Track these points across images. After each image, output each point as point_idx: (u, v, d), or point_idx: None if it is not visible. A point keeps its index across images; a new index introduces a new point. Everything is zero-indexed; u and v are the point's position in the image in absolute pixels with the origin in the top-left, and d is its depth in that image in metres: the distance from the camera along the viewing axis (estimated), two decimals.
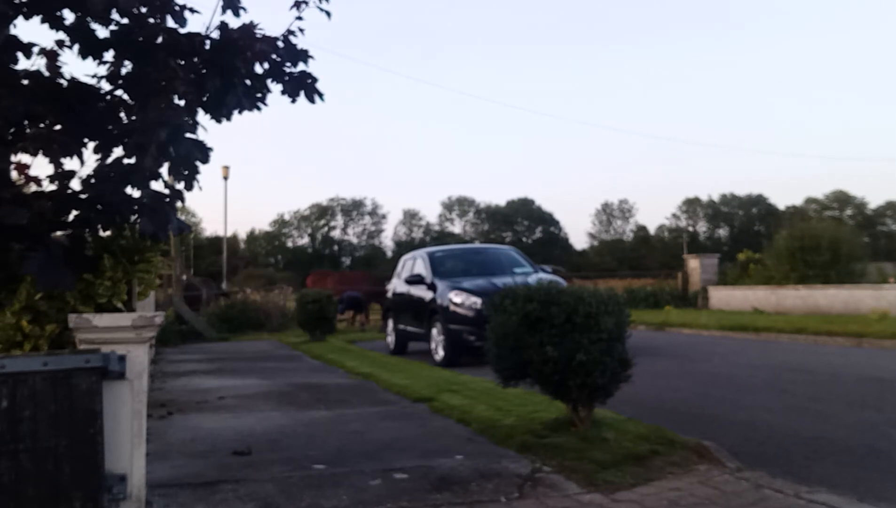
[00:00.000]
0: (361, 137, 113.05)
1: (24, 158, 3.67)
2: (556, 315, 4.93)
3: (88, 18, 3.62)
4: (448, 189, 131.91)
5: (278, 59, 3.96)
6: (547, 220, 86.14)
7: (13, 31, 3.53)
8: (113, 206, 3.58)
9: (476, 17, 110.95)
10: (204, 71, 3.78)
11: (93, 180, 3.60)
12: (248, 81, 3.90)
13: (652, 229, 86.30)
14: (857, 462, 4.73)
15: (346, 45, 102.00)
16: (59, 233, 3.67)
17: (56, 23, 3.61)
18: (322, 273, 29.85)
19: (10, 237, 3.42)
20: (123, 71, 3.72)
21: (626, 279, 30.62)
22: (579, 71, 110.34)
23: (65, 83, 3.66)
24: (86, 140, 3.67)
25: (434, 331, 11.56)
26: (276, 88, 4.03)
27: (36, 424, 2.91)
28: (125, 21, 3.62)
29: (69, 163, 3.68)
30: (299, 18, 3.98)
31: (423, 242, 75.25)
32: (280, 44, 3.94)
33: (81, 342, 3.17)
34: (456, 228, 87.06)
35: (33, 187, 3.71)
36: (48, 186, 3.68)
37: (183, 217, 3.96)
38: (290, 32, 3.97)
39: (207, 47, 3.77)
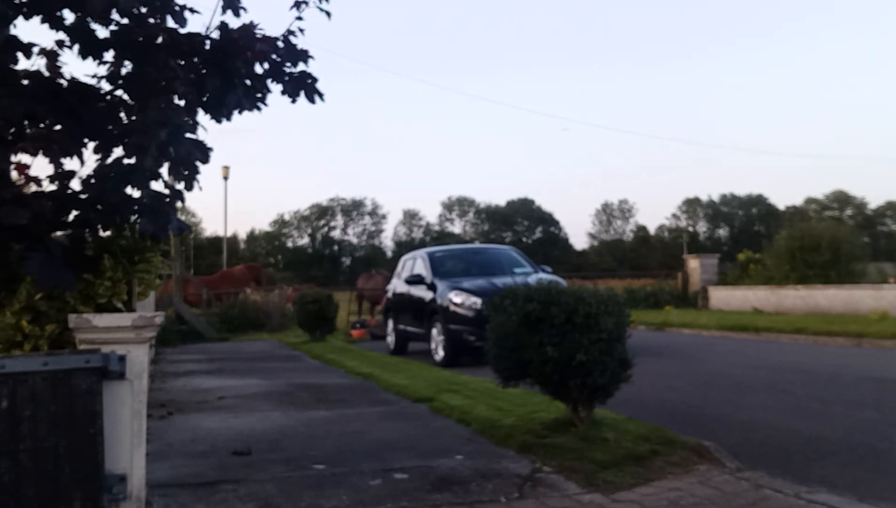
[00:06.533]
0: (361, 137, 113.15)
1: (24, 158, 3.67)
2: (556, 315, 4.92)
3: (88, 18, 3.62)
4: (448, 189, 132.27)
5: (278, 60, 3.97)
6: (547, 220, 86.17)
7: (13, 31, 3.54)
8: (113, 206, 3.59)
9: (476, 19, 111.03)
10: (204, 71, 3.78)
11: (93, 180, 3.60)
12: (248, 81, 3.91)
13: (652, 229, 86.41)
14: (857, 462, 4.72)
15: (346, 45, 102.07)
16: (59, 233, 3.67)
17: (56, 23, 3.61)
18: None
19: (10, 237, 3.42)
20: (123, 71, 3.73)
21: (626, 279, 30.67)
22: (579, 71, 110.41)
23: (65, 83, 3.66)
24: (86, 140, 3.67)
25: (434, 331, 11.55)
26: (276, 88, 4.03)
27: (36, 424, 2.91)
28: (125, 21, 3.63)
29: (69, 163, 3.68)
30: (299, 18, 3.99)
31: (423, 242, 75.25)
32: (280, 44, 3.94)
33: (81, 342, 3.17)
34: (456, 228, 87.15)
35: (33, 187, 3.71)
36: (48, 187, 3.68)
37: (183, 217, 3.96)
38: (290, 32, 3.98)
39: (207, 47, 3.78)
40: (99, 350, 3.08)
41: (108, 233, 3.76)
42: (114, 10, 3.51)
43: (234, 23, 3.84)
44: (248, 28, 3.83)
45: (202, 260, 50.26)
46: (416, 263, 13.20)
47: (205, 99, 3.83)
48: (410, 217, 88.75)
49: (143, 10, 3.61)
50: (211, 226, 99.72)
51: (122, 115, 3.74)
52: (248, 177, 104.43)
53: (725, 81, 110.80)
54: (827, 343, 12.74)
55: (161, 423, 6.24)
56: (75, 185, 3.65)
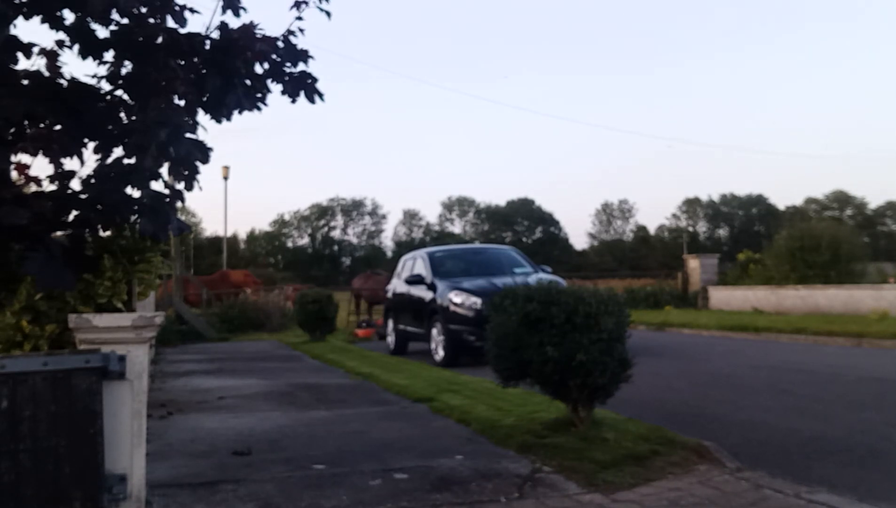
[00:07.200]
0: (362, 137, 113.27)
1: (24, 158, 3.67)
2: (556, 315, 4.92)
3: (88, 18, 3.62)
4: (448, 189, 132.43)
5: (278, 60, 3.96)
6: (547, 220, 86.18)
7: (13, 31, 3.53)
8: (113, 206, 3.59)
9: (476, 18, 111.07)
10: (204, 71, 3.78)
11: (93, 180, 3.60)
12: (248, 81, 3.90)
13: (652, 229, 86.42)
14: (857, 462, 4.72)
15: (346, 45, 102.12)
16: (59, 233, 3.67)
17: (56, 23, 3.61)
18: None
19: (10, 237, 3.42)
20: (123, 71, 3.73)
21: (626, 279, 30.63)
22: (580, 71, 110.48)
23: (65, 83, 3.66)
24: (86, 140, 3.67)
25: (434, 331, 11.55)
26: (276, 88, 4.03)
27: (36, 424, 2.91)
28: (125, 21, 3.63)
29: (69, 163, 3.68)
30: (299, 18, 3.98)
31: (423, 242, 75.25)
32: (280, 44, 3.94)
33: (81, 342, 3.17)
34: (456, 228, 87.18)
35: (33, 187, 3.71)
36: (48, 187, 3.68)
37: (183, 217, 3.96)
38: (290, 32, 3.97)
39: (207, 47, 3.77)
40: (99, 350, 3.08)
41: (108, 233, 3.76)
42: (114, 10, 3.51)
43: (234, 23, 3.84)
44: (248, 28, 3.83)
45: (202, 260, 50.27)
46: (416, 263, 13.19)
47: (205, 99, 3.82)
48: (410, 217, 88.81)
49: (143, 10, 3.61)
50: (211, 226, 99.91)
51: (122, 115, 3.74)
52: (248, 177, 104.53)
53: (725, 81, 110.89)
54: (827, 343, 12.73)
55: (161, 423, 6.24)
56: (75, 185, 3.65)
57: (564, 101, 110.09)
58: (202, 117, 3.86)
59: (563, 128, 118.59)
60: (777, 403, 6.90)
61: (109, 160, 3.66)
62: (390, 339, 13.77)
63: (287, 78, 4.02)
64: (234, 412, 6.82)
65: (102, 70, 3.72)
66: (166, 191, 3.74)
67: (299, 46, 3.99)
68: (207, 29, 3.79)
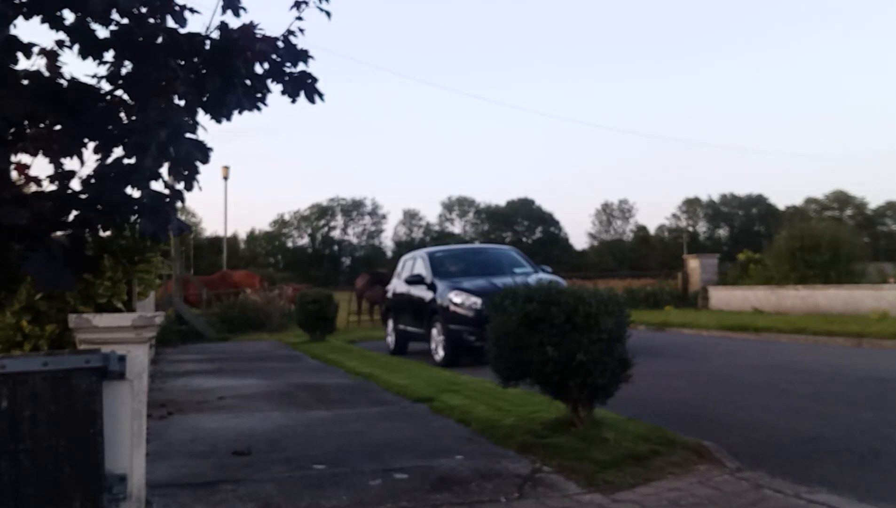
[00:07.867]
0: (361, 137, 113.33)
1: (24, 158, 3.68)
2: (556, 315, 4.92)
3: (88, 18, 3.62)
4: (448, 189, 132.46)
5: (278, 60, 3.96)
6: (547, 220, 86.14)
7: (13, 31, 3.54)
8: (113, 206, 3.59)
9: (475, 18, 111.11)
10: (204, 71, 3.78)
11: (93, 180, 3.60)
12: (248, 82, 3.91)
13: (652, 229, 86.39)
14: (857, 462, 4.72)
15: (346, 45, 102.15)
16: (59, 233, 3.67)
17: (56, 23, 3.61)
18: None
19: (10, 237, 3.42)
20: (123, 71, 3.73)
21: (626, 279, 30.64)
22: (579, 71, 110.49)
23: (65, 83, 3.66)
24: (86, 140, 3.67)
25: (434, 331, 11.55)
26: (276, 88, 4.03)
27: (36, 424, 2.91)
28: (125, 21, 3.63)
29: (69, 163, 3.69)
30: (299, 18, 3.99)
31: (423, 242, 75.23)
32: (280, 44, 3.94)
33: (81, 342, 3.17)
34: (456, 228, 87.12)
35: (33, 187, 3.71)
36: (48, 187, 3.68)
37: (183, 217, 3.96)
38: (290, 32, 3.98)
39: (207, 47, 3.78)
40: (99, 350, 3.08)
41: (108, 233, 3.76)
42: (114, 10, 3.51)
43: (234, 23, 3.84)
44: (248, 28, 3.83)
45: (202, 260, 50.26)
46: (416, 263, 13.19)
47: (205, 99, 3.82)
48: (410, 217, 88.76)
49: (143, 10, 3.61)
50: (211, 226, 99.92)
51: (122, 115, 3.74)
52: (248, 177, 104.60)
53: (725, 80, 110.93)
54: (827, 343, 12.73)
55: (161, 423, 6.24)
56: (75, 185, 3.65)
57: (564, 101, 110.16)
58: (202, 117, 3.87)
59: (563, 128, 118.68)
60: (777, 403, 6.90)
61: (109, 160, 3.66)
62: (390, 339, 13.76)
63: (287, 78, 4.02)
64: (234, 413, 6.82)
65: (102, 70, 3.72)
66: (166, 191, 3.74)
67: (299, 46, 3.99)
68: (207, 29, 3.79)
